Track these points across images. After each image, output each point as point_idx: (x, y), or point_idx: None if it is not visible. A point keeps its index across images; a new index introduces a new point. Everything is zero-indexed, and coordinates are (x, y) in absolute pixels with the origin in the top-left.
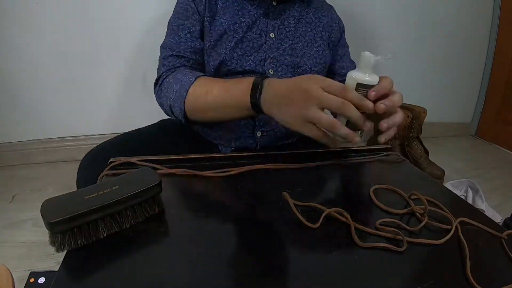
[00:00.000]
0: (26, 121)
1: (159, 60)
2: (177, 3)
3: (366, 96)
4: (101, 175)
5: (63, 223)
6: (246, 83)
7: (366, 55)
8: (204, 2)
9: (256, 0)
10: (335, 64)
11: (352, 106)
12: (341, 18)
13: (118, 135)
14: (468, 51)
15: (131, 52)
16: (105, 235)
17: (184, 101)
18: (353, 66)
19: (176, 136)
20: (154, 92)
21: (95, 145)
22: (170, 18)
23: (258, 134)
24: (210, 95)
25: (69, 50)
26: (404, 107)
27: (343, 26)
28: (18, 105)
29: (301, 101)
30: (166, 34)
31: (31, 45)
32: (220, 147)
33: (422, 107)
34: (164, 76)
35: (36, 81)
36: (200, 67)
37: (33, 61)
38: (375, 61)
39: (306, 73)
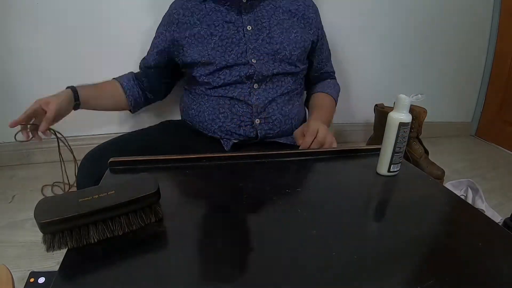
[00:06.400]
0: None
1: None
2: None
3: (405, 131)
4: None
5: (52, 225)
6: None
7: (402, 97)
8: (177, 18)
9: (227, 1)
10: (315, 59)
11: None
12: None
13: (118, 136)
14: (468, 51)
15: (131, 53)
16: (96, 240)
17: None
18: (329, 53)
19: (176, 137)
20: None
21: (95, 145)
22: None
23: (257, 121)
24: None
25: (69, 50)
26: None
27: (317, 10)
28: (18, 105)
29: None
30: None
31: (31, 45)
32: (222, 141)
33: (422, 107)
34: None
35: (37, 81)
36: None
37: (34, 61)
38: (409, 102)
39: (287, 58)
